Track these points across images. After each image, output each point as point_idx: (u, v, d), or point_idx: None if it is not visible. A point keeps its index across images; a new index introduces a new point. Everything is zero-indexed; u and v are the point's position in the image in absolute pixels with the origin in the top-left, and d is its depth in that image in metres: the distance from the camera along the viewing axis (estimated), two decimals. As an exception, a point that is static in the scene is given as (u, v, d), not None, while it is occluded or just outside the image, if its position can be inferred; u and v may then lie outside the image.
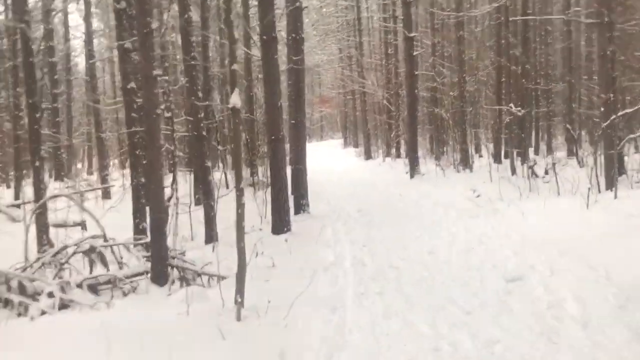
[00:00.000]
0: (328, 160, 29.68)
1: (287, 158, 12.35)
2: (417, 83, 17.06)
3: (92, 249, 6.99)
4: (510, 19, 14.60)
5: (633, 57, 12.62)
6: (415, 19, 18.47)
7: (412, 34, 16.25)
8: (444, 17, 18.71)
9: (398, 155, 26.54)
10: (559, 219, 7.66)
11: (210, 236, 9.06)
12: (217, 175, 17.39)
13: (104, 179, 16.50)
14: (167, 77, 8.98)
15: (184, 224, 9.98)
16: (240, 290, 5.17)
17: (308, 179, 12.19)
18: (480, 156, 21.89)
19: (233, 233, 10.46)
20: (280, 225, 9.25)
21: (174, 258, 6.64)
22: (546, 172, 14.25)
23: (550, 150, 21.92)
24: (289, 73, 11.56)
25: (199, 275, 6.63)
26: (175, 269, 6.64)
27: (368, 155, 29.04)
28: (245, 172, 17.96)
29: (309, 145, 47.45)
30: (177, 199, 8.39)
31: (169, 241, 7.40)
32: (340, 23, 34.54)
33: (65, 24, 25.68)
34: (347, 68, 33.82)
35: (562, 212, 8.10)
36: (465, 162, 17.88)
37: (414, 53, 16.49)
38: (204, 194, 9.02)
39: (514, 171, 14.80)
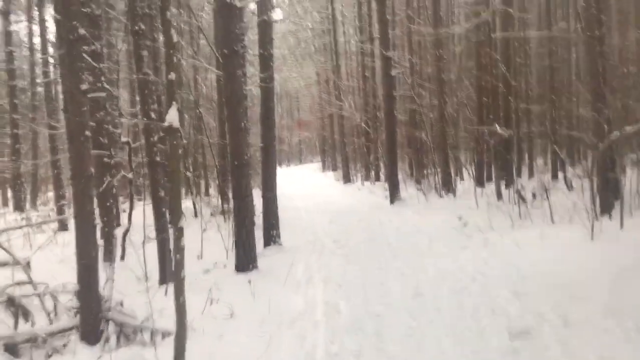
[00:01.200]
0: (305, 184, 28.71)
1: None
2: (395, 104, 16.22)
3: (10, 301, 5.82)
4: (493, 35, 13.88)
5: (622, 75, 11.94)
6: (392, 40, 17.74)
7: (389, 53, 15.46)
8: (422, 37, 18.02)
9: (377, 179, 25.69)
10: (561, 253, 6.69)
11: (165, 276, 7.91)
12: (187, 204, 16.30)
13: (60, 209, 15.18)
14: (104, 94, 7.84)
15: (138, 261, 8.81)
16: (179, 358, 4.06)
17: (282, 206, 11.11)
18: (462, 180, 21.12)
19: (194, 268, 9.34)
20: (244, 261, 8.13)
21: (109, 310, 5.49)
22: (534, 196, 13.45)
23: (531, 172, 21.24)
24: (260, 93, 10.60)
25: (140, 330, 5.48)
26: (111, 323, 5.48)
27: (347, 179, 28.14)
28: (217, 201, 16.83)
29: (287, 170, 46.48)
30: (127, 232, 7.22)
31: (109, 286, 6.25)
32: (317, 46, 33.99)
33: (31, 46, 24.54)
34: (325, 91, 33.14)
35: (563, 244, 7.15)
36: (448, 187, 17.02)
37: (392, 73, 15.69)
38: (157, 227, 7.89)
39: (500, 196, 13.93)
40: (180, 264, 4.18)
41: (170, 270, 7.98)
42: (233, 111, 8.01)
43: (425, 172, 21.99)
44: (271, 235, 10.11)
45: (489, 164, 19.11)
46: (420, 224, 11.64)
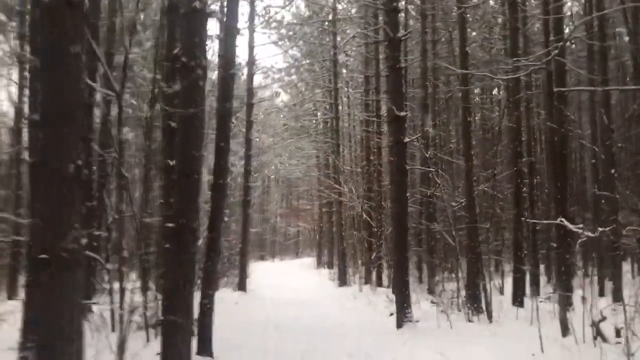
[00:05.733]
0: (293, 284, 23.57)
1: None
2: (407, 182, 11.71)
3: None
4: (556, 89, 9.48)
5: None
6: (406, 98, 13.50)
7: (401, 113, 11.17)
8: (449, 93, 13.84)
9: (379, 284, 20.69)
10: None
11: None
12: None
13: None
14: None
15: None
16: None
17: (249, 318, 6.35)
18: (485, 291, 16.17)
19: None
20: None
21: None
22: (618, 333, 8.57)
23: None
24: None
25: None
26: None
27: (342, 281, 23.05)
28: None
29: (278, 264, 41.48)
30: None
31: None
32: (318, 123, 30.36)
33: None
34: (324, 176, 28.97)
35: None
36: (476, 304, 12.09)
37: (406, 140, 11.30)
38: None
39: (565, 329, 8.97)
40: None
41: None
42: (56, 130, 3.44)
43: (439, 278, 17.15)
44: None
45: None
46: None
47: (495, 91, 25.32)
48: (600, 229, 7.10)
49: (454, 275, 14.72)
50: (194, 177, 5.59)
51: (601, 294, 15.54)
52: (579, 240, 7.06)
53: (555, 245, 9.46)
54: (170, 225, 5.60)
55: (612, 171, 11.23)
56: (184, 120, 5.76)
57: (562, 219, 8.68)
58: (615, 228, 13.01)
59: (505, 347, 7.97)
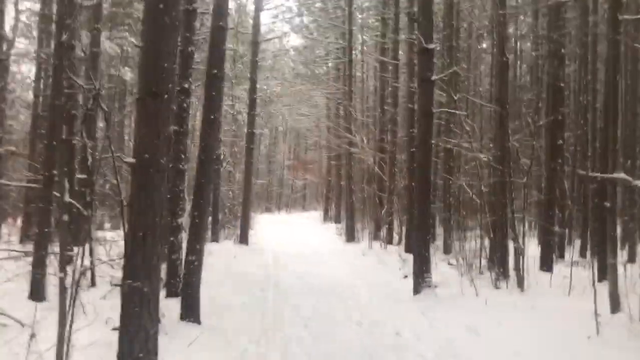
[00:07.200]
0: (297, 239, 22.34)
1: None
2: (432, 127, 10.14)
3: None
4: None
5: None
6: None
7: (430, 45, 9.47)
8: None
9: (389, 241, 19.32)
10: None
11: None
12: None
13: None
14: None
15: None
16: None
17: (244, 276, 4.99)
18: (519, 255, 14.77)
19: None
20: None
21: None
22: (680, 309, 7.15)
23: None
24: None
25: None
26: None
27: (350, 237, 21.75)
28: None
29: (284, 217, 40.25)
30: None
31: None
32: (329, 70, 28.48)
33: None
34: (335, 124, 27.33)
35: None
36: (504, 269, 10.67)
37: (433, 77, 9.63)
38: None
39: (616, 305, 7.54)
40: None
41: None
42: None
43: (457, 237, 15.77)
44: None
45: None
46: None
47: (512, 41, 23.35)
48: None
49: (474, 235, 13.40)
50: (162, 97, 4.07)
51: (631, 259, 14.15)
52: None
53: (608, 204, 7.90)
54: (130, 160, 4.13)
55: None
56: (150, 18, 4.22)
57: (623, 174, 7.14)
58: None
59: (551, 325, 6.57)
